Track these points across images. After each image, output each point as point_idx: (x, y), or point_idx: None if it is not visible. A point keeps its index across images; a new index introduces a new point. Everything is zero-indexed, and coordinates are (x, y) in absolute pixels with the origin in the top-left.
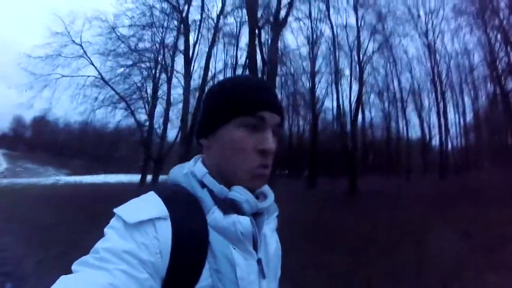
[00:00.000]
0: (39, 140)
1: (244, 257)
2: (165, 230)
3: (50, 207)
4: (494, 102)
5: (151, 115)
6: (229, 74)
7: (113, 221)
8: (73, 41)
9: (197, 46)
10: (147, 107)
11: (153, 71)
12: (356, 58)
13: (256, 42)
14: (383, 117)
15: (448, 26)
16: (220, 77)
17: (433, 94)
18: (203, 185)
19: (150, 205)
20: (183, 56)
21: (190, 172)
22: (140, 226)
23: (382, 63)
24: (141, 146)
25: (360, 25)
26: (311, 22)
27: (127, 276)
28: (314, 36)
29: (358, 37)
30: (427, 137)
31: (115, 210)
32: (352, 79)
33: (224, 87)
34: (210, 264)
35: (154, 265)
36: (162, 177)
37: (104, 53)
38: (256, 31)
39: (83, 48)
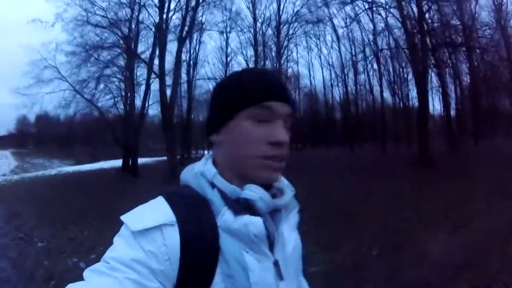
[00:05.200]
0: (44, 135)
1: (258, 260)
2: (173, 236)
3: (47, 188)
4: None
5: (126, 109)
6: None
7: (121, 229)
8: (50, 64)
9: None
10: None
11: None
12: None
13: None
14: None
15: None
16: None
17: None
18: (213, 185)
19: (156, 211)
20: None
21: (200, 172)
22: (147, 233)
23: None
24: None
25: None
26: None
27: (137, 285)
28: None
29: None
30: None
31: (121, 217)
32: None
33: (229, 80)
34: (222, 269)
35: (164, 273)
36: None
37: (77, 66)
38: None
39: (58, 70)
